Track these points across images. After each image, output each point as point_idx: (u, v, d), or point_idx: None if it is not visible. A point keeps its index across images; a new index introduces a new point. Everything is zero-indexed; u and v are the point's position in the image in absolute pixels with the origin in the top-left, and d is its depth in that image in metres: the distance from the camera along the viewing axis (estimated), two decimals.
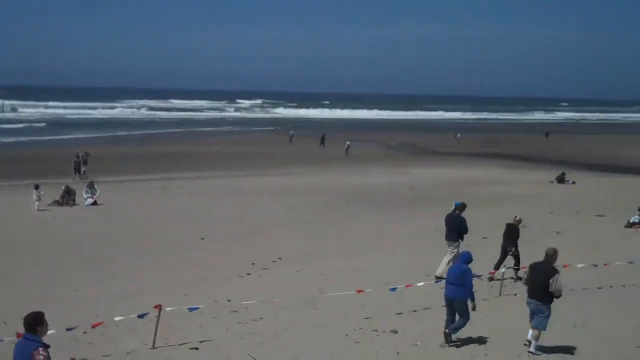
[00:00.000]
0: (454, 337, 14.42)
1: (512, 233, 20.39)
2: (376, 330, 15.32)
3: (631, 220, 29.24)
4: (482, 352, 13.96)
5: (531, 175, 52.27)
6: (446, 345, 14.25)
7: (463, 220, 20.32)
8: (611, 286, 19.32)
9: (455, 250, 19.78)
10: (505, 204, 33.51)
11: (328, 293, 18.02)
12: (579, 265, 19.32)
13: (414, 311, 16.83)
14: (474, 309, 14.45)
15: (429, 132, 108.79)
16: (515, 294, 18.38)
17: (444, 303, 14.61)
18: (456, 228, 20.20)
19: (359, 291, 17.10)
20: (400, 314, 16.58)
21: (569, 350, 14.02)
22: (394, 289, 17.15)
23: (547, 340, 14.03)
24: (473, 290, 14.42)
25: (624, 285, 19.38)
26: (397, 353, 13.89)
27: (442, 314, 15.69)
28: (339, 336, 14.97)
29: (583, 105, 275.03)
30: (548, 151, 77.61)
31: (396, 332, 15.20)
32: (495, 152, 75.14)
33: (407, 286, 17.39)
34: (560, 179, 46.21)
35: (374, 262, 22.52)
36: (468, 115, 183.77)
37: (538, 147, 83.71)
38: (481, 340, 14.55)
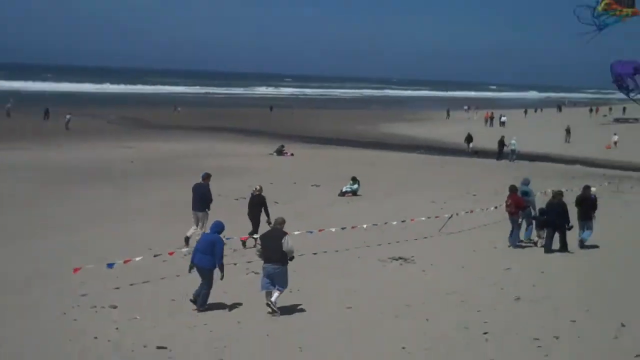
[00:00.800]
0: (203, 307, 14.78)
1: (258, 202, 21.23)
2: (95, 307, 14.98)
3: (344, 190, 30.97)
4: (201, 322, 14.15)
5: (253, 147, 53.57)
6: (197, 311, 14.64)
7: (208, 190, 21.04)
8: (325, 251, 20.44)
9: (205, 219, 20.37)
10: (227, 176, 34.00)
11: (43, 271, 17.41)
12: (295, 233, 20.02)
13: (131, 285, 16.63)
14: (221, 278, 14.81)
15: (150, 106, 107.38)
16: (235, 264, 18.80)
17: (161, 276, 14.54)
18: (202, 197, 20.77)
19: (75, 270, 16.52)
20: (118, 288, 16.31)
21: (283, 313, 14.62)
22: (111, 265, 16.80)
23: (264, 307, 14.56)
24: (222, 261, 14.80)
25: (336, 250, 20.61)
26: (117, 328, 13.69)
27: (160, 287, 15.77)
28: (56, 315, 14.45)
29: (305, 81, 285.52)
30: (271, 125, 79.83)
31: (115, 307, 14.98)
32: (218, 125, 75.99)
33: (125, 262, 17.14)
34: (280, 151, 47.86)
35: (92, 238, 21.94)
36: (195, 90, 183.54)
37: (261, 120, 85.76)
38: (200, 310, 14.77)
